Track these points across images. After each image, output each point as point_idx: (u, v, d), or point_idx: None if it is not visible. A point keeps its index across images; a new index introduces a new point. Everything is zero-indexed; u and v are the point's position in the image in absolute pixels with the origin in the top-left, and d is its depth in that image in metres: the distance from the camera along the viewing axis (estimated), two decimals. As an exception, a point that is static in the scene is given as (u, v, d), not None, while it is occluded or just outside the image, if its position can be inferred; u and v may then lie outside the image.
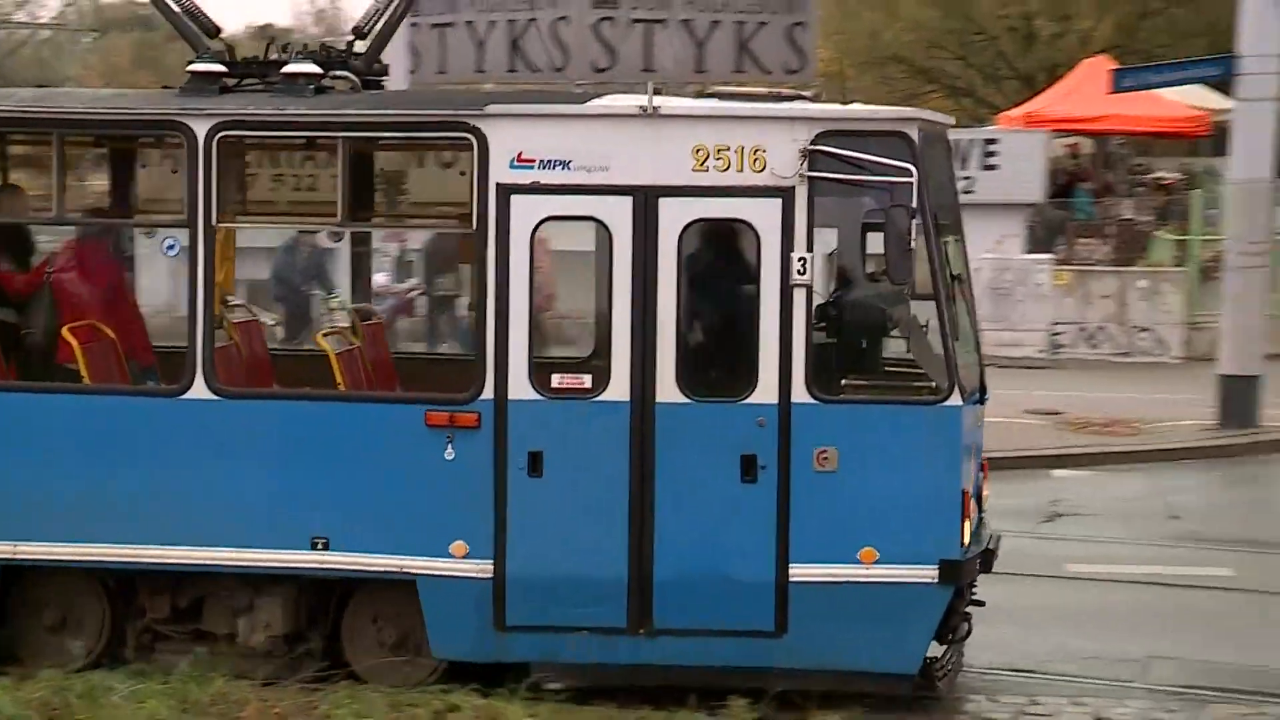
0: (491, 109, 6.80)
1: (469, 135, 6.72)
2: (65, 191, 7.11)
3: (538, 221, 6.71)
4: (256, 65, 7.32)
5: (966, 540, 6.69)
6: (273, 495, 6.87)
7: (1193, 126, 22.85)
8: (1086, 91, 21.71)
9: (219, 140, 6.82)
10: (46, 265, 7.53)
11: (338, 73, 7.26)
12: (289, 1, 64.06)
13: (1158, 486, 12.55)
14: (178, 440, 6.89)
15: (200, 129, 6.82)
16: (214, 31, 7.57)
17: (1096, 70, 20.52)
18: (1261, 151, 14.15)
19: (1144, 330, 18.42)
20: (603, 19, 15.00)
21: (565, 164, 6.67)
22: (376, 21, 7.56)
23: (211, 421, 6.87)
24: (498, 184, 6.68)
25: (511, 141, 6.68)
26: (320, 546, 6.84)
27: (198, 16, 7.56)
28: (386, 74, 7.81)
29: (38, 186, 7.63)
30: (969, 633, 6.99)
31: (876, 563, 6.59)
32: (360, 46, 7.56)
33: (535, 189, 6.68)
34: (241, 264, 8.46)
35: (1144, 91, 18.15)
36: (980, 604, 7.09)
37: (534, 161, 6.67)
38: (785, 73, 14.93)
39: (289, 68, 7.12)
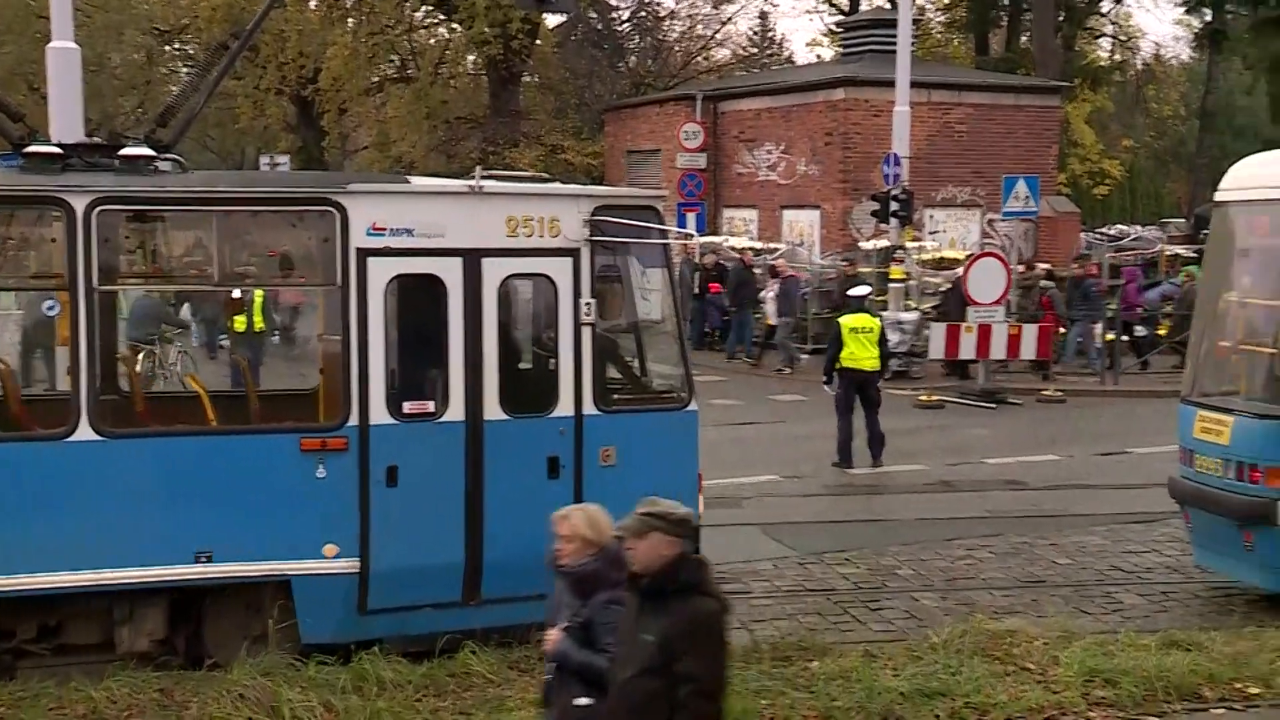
0: (352, 187, 8.18)
1: (333, 209, 8.06)
2: None
3: (390, 278, 8.20)
4: (85, 148, 8.02)
5: (702, 509, 9.17)
6: (160, 519, 7.73)
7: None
8: None
9: (98, 213, 7.58)
10: None
11: (167, 155, 8.18)
12: None
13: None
14: (67, 478, 7.54)
15: (79, 204, 7.54)
16: (19, 117, 8.22)
17: None
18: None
19: None
20: None
21: (410, 231, 8.22)
22: (176, 113, 8.56)
23: (96, 460, 7.59)
24: (357, 248, 8.09)
25: (368, 214, 8.11)
26: (204, 559, 7.83)
27: (5, 106, 8.16)
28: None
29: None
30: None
31: None
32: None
33: (387, 252, 8.16)
34: None
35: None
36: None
37: (385, 230, 8.16)
38: None
39: (127, 150, 7.95)
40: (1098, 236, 33.37)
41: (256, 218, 8.37)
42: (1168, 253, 27.44)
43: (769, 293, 23.85)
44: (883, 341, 15.67)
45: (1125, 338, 22.77)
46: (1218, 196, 10.68)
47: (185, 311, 17.27)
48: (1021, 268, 23.55)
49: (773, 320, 23.59)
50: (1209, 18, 40.99)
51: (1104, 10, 46.61)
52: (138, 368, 8.92)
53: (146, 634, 7.89)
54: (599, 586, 5.39)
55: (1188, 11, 43.26)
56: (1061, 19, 40.23)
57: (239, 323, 15.53)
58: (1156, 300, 24.59)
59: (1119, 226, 37.92)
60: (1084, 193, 39.20)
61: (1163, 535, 12.18)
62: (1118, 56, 49.19)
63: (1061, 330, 22.57)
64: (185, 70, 38.69)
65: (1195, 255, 25.89)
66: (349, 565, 8.11)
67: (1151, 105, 53.84)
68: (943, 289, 23.36)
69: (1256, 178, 10.25)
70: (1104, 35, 48.95)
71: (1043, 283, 23.17)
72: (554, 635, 5.50)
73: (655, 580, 5.03)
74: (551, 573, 5.74)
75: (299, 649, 8.10)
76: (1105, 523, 12.80)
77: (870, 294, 17.31)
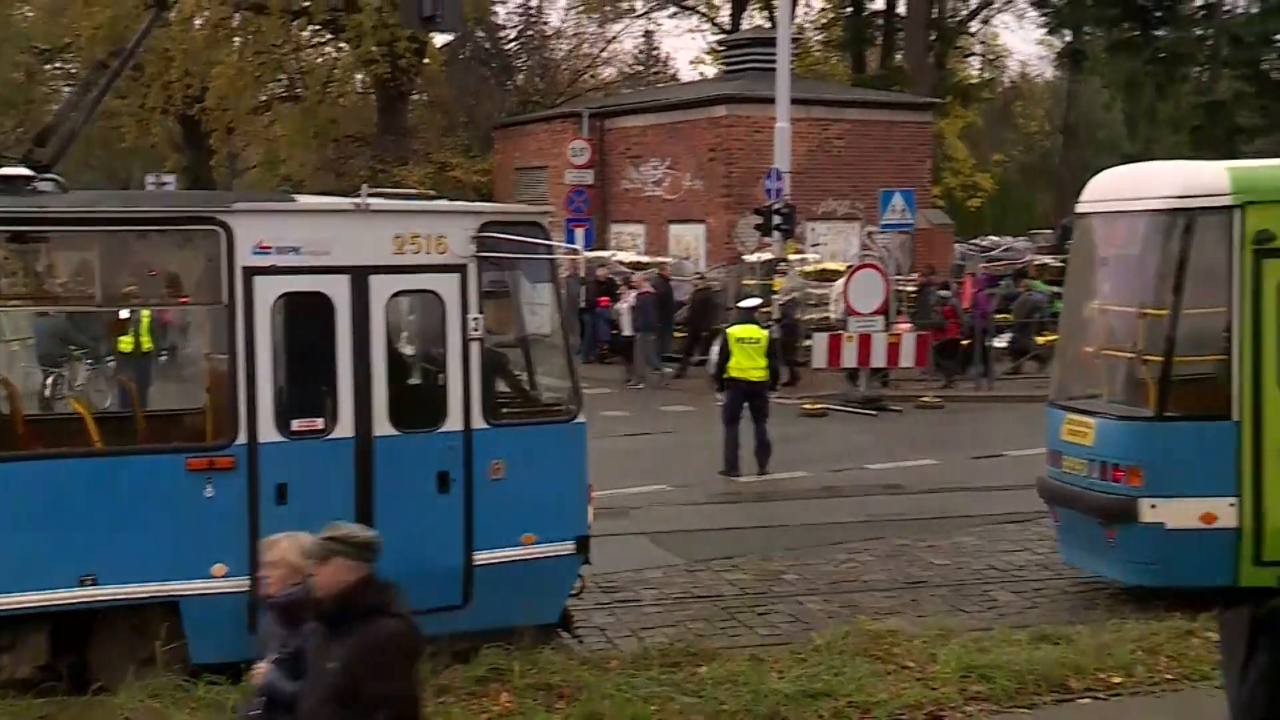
0: (237, 206, 8.19)
1: (218, 228, 8.06)
2: None
3: (276, 297, 8.22)
4: None
5: (591, 520, 9.30)
6: (42, 542, 7.63)
7: None
8: None
9: None
10: None
11: (46, 175, 8.11)
12: None
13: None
14: None
15: None
16: None
17: None
18: None
19: None
20: None
21: (296, 250, 8.24)
22: (55, 132, 8.49)
23: None
24: (243, 267, 8.09)
25: (253, 232, 8.11)
26: (89, 582, 7.75)
27: None
28: None
29: None
30: (583, 588, 9.57)
31: (535, 544, 8.88)
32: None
33: (273, 270, 8.18)
34: None
35: None
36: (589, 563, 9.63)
37: (271, 248, 8.17)
38: None
39: (3, 171, 7.88)
40: (971, 247, 34.36)
41: (141, 238, 8.32)
42: (1036, 262, 28.37)
43: (624, 304, 24.22)
44: (771, 353, 15.98)
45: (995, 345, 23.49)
46: (1079, 208, 11.17)
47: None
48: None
49: (628, 331, 23.90)
50: (1069, 38, 42.47)
51: (973, 30, 48.04)
52: (47, 391, 8.74)
53: (29, 660, 7.76)
54: (307, 615, 5.30)
55: (1049, 32, 44.71)
56: (933, 38, 41.39)
57: (125, 343, 15.33)
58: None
59: (991, 238, 39.09)
60: (958, 205, 40.34)
61: (1034, 534, 12.64)
62: (986, 74, 50.71)
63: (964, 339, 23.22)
64: (67, 89, 37.89)
65: (1061, 264, 26.82)
66: (238, 584, 8.09)
67: (1019, 121, 55.66)
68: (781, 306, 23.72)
69: (1114, 190, 10.76)
70: (973, 54, 50.42)
71: (940, 293, 23.85)
72: (262, 668, 5.41)
73: (336, 605, 4.97)
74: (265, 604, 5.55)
75: (188, 670, 8.05)
76: (981, 524, 13.25)
77: (759, 306, 17.66)
